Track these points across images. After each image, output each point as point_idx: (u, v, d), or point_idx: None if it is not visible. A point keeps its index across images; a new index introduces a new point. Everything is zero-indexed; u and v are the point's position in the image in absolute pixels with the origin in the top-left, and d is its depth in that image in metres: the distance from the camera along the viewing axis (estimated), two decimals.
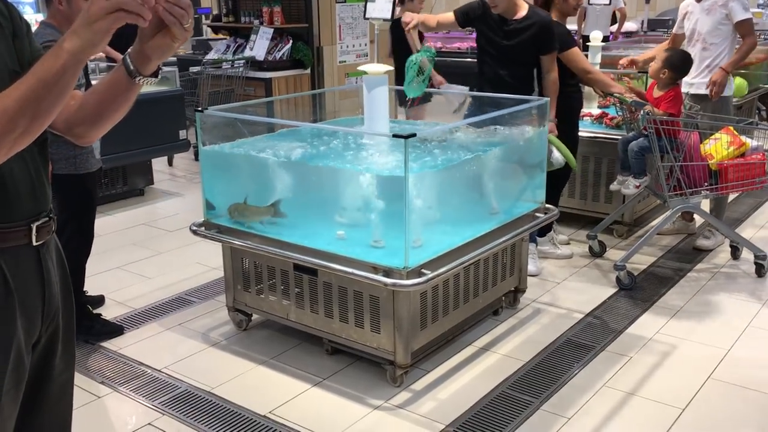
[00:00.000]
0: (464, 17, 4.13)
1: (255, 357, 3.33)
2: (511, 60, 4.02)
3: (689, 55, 4.33)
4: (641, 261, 4.42)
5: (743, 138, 4.01)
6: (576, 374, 3.16)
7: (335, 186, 3.27)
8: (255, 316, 3.60)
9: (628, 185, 4.27)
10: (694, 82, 4.58)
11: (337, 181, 3.26)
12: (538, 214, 3.66)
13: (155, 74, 1.48)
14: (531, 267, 4.06)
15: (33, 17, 8.40)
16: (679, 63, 4.12)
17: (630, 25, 9.22)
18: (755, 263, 4.18)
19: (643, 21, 9.67)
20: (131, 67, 1.45)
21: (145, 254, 4.67)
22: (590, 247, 4.55)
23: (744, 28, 4.47)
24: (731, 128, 4.07)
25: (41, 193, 1.52)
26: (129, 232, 5.10)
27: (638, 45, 7.67)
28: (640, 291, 4.01)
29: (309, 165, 3.25)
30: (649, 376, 3.15)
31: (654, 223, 4.92)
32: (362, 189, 3.09)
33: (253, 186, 3.43)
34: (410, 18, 3.95)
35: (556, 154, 3.96)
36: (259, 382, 3.14)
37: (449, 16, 4.19)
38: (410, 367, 3.09)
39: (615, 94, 4.23)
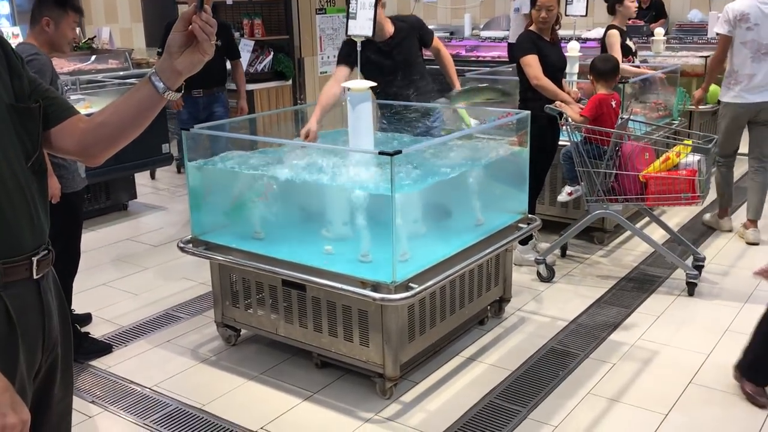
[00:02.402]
0: (350, 59, 3.91)
1: (245, 372, 3.36)
2: (403, 73, 4.09)
3: (612, 57, 4.51)
4: (624, 266, 4.51)
5: (677, 154, 4.00)
6: (561, 382, 3.23)
7: (323, 202, 3.32)
8: (244, 332, 3.63)
9: (563, 192, 4.40)
10: None
11: (324, 198, 3.30)
12: (521, 225, 3.73)
13: (180, 89, 1.56)
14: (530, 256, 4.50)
15: (9, 30, 8.35)
16: (599, 64, 4.32)
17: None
18: (687, 282, 4.11)
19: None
20: (160, 84, 1.52)
21: (131, 270, 4.67)
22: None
23: None
24: (680, 146, 4.10)
25: (40, 226, 1.55)
26: (114, 248, 5.10)
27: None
28: (622, 298, 4.09)
29: (296, 181, 3.29)
30: (632, 382, 3.22)
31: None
32: (349, 205, 3.13)
33: (241, 202, 3.45)
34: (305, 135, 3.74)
35: (469, 121, 4.14)
36: (249, 398, 3.17)
37: (342, 72, 3.97)
38: (399, 380, 3.13)
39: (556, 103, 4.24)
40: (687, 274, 4.12)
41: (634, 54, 5.90)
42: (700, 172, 3.90)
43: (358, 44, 3.63)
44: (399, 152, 2.84)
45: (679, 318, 3.83)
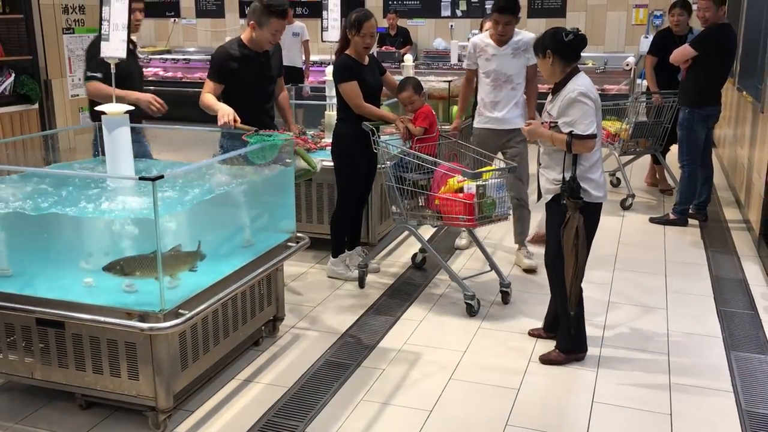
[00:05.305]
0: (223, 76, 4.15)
1: None
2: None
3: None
4: (390, 276, 4.79)
5: (458, 178, 4.22)
6: (336, 393, 3.35)
7: (82, 232, 3.13)
8: None
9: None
10: (506, 118, 4.83)
11: (83, 228, 3.12)
12: (290, 244, 3.82)
13: None
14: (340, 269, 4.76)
15: None
16: (418, 81, 4.69)
17: None
18: (465, 303, 4.24)
19: None
20: None
21: None
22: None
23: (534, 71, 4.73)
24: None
25: None
26: None
27: None
28: (388, 307, 4.35)
29: (49, 211, 3.06)
30: (401, 384, 3.44)
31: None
32: (111, 234, 3.00)
33: None
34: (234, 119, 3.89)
35: (299, 163, 4.13)
36: None
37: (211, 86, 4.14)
38: (173, 410, 3.04)
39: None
40: (465, 294, 4.25)
41: None
42: (478, 196, 4.08)
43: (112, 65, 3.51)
44: (161, 177, 2.79)
45: (437, 321, 4.16)
